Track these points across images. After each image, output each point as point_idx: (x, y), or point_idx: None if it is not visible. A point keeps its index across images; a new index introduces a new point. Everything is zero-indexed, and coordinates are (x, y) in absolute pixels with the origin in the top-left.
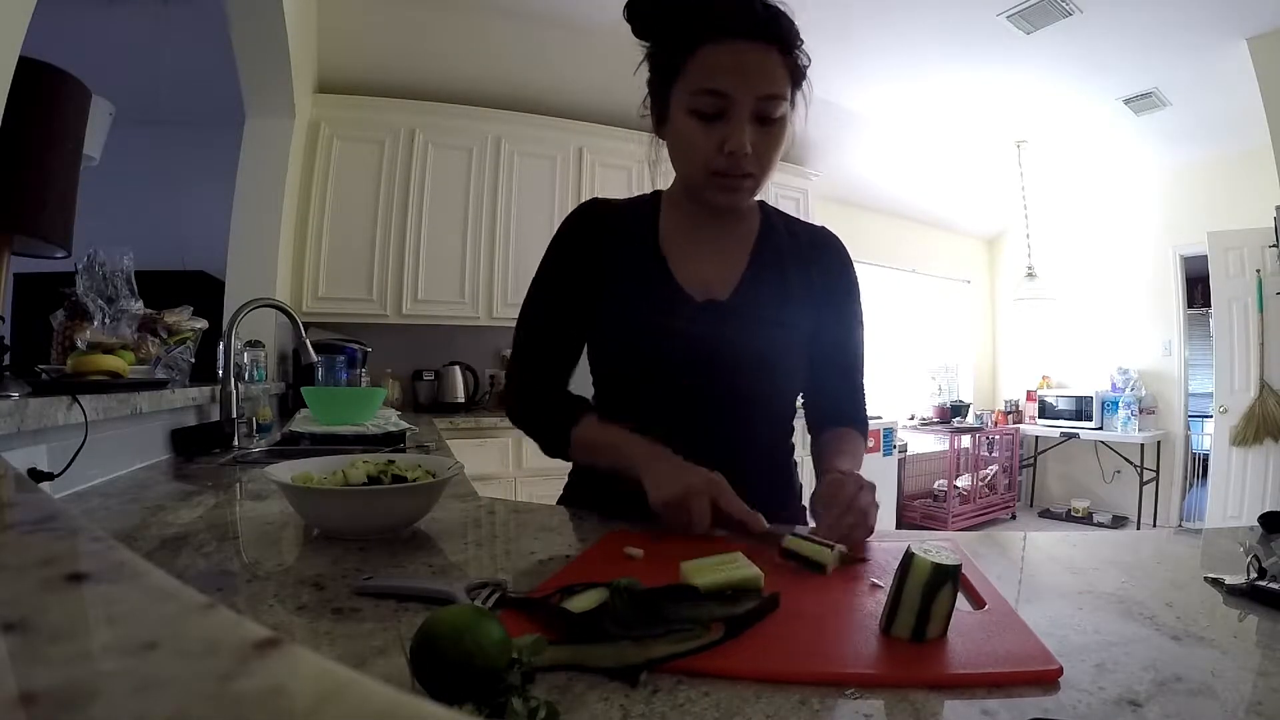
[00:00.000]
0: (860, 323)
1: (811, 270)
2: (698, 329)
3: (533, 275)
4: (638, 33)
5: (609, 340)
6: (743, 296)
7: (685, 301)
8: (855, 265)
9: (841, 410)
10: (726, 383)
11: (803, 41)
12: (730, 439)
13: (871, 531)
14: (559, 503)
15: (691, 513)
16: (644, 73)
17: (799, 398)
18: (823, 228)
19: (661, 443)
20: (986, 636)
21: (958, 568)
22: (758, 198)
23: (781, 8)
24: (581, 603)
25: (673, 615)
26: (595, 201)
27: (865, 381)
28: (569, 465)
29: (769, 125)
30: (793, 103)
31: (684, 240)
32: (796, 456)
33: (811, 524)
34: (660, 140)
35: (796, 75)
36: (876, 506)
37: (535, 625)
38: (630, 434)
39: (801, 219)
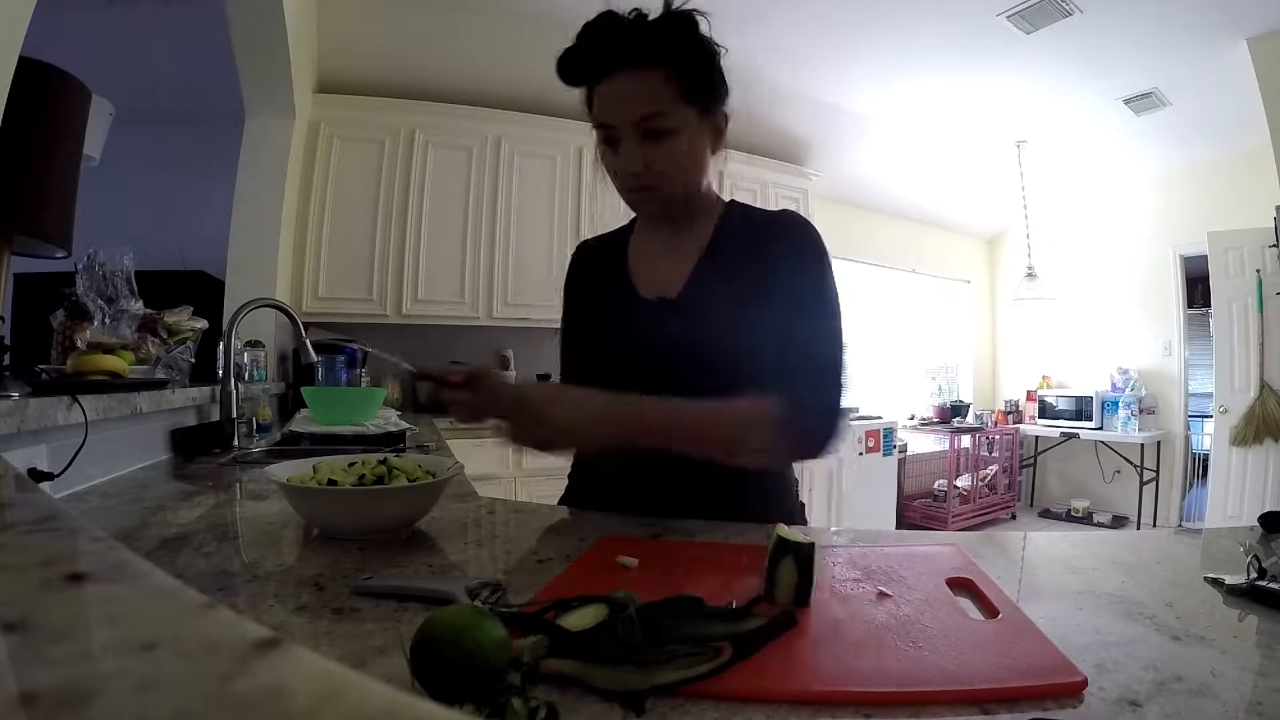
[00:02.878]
0: (820, 296)
1: (769, 254)
2: (649, 328)
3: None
4: (568, 84)
5: (587, 355)
6: (691, 291)
7: (637, 303)
8: (816, 240)
9: (797, 389)
10: (685, 378)
11: (697, 43)
12: None
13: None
14: (560, 502)
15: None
16: None
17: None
18: (783, 210)
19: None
20: (1004, 648)
21: (811, 546)
22: (729, 197)
23: (666, 18)
24: (579, 620)
25: (677, 635)
26: (583, 243)
27: (836, 362)
28: (569, 465)
29: (661, 139)
30: (701, 105)
31: (645, 249)
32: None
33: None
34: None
35: (688, 83)
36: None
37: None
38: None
39: (766, 208)
